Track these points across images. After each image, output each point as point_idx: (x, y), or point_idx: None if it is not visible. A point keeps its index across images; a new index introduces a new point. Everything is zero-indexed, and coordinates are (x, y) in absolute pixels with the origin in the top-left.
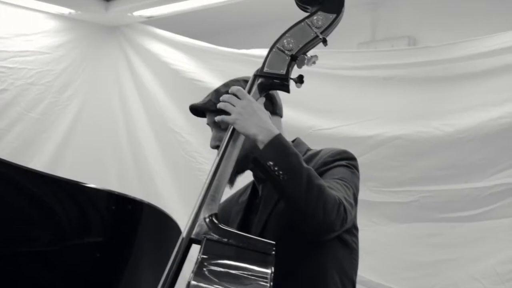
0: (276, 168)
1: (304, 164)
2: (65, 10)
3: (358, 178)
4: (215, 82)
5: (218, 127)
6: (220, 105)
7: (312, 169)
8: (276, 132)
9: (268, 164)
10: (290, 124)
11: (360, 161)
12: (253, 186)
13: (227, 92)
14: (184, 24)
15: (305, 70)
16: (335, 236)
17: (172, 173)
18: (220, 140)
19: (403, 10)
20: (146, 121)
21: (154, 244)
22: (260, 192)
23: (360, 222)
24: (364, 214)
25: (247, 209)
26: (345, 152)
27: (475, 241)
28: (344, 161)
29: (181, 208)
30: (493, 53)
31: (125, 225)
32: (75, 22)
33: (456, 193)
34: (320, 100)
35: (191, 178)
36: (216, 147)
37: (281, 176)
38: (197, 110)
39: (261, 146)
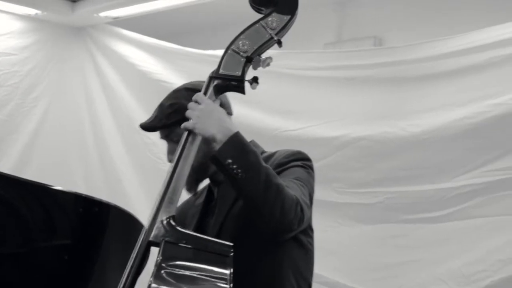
0: (234, 166)
1: (263, 163)
2: (31, 11)
3: (313, 178)
4: (181, 83)
5: (171, 140)
6: (186, 113)
7: (271, 168)
8: (234, 130)
9: (226, 162)
10: (256, 126)
11: (325, 162)
12: (209, 189)
13: (170, 106)
14: (150, 25)
15: (271, 71)
16: (291, 236)
17: (139, 174)
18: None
19: (368, 10)
20: (112, 123)
21: (121, 246)
22: (215, 195)
23: (325, 223)
24: (329, 215)
25: (203, 212)
26: (299, 153)
27: (440, 242)
28: (299, 161)
29: (148, 209)
30: (458, 54)
31: (92, 227)
32: (41, 23)
33: (421, 194)
34: (285, 101)
35: (157, 180)
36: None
37: (239, 174)
38: (148, 128)
39: (218, 145)
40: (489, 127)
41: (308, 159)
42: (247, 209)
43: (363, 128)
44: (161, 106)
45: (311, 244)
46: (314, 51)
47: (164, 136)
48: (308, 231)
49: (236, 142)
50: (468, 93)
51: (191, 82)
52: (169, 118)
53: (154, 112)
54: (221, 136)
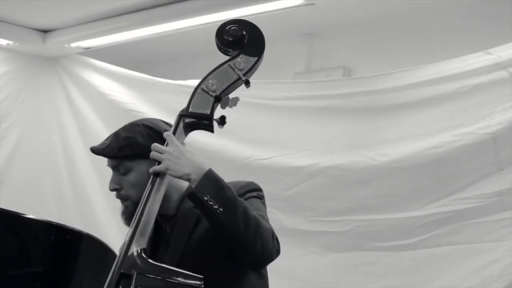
0: (212, 202)
1: (238, 197)
2: (3, 41)
3: (266, 207)
4: (152, 113)
5: (117, 171)
6: (151, 156)
7: (245, 201)
8: (207, 167)
9: (204, 198)
10: (226, 155)
11: (296, 190)
12: (156, 224)
13: (125, 139)
14: (121, 55)
15: (242, 101)
16: (251, 265)
17: (111, 203)
18: (118, 183)
19: (338, 41)
20: (84, 151)
21: (94, 274)
22: (167, 229)
23: (297, 252)
24: (300, 243)
25: (153, 246)
26: (252, 183)
27: (410, 269)
28: (254, 192)
29: (120, 237)
30: (426, 83)
31: (64, 255)
32: (13, 53)
33: (391, 222)
34: (256, 131)
35: None
36: (114, 190)
37: (218, 209)
38: (98, 153)
39: (194, 184)
40: (458, 156)
41: (261, 189)
42: (228, 242)
43: (333, 157)
44: (116, 135)
45: (267, 272)
46: (284, 81)
47: (111, 166)
48: None
49: (211, 179)
50: (436, 123)
51: (149, 120)
52: (121, 151)
53: (108, 139)
54: (195, 175)
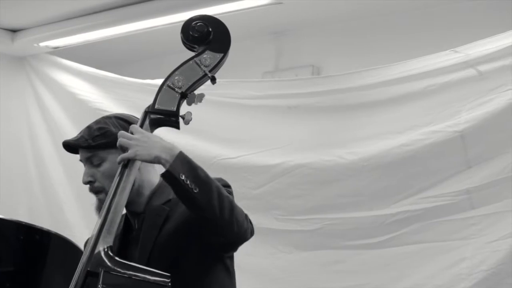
0: (188, 181)
1: (210, 177)
2: None
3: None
4: (120, 111)
5: (90, 163)
6: (118, 143)
7: (217, 181)
8: (178, 149)
9: (181, 177)
10: (194, 154)
11: (264, 189)
12: (125, 220)
13: (98, 129)
14: (90, 54)
15: (210, 100)
16: (220, 261)
17: (80, 203)
18: (92, 176)
19: (306, 39)
20: (53, 151)
21: (63, 273)
22: (136, 226)
23: (266, 250)
24: (270, 242)
25: (122, 243)
26: (221, 179)
27: (380, 268)
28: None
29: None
30: (396, 82)
31: (34, 254)
32: None
33: (360, 220)
34: (224, 129)
35: None
36: (88, 182)
37: (193, 188)
38: (69, 147)
39: (166, 165)
40: (426, 154)
41: (230, 186)
42: (203, 223)
43: (302, 156)
44: (88, 128)
45: (233, 268)
46: (253, 80)
47: (84, 159)
48: (233, 255)
49: (183, 159)
50: (405, 121)
51: (120, 113)
52: (95, 140)
53: (80, 132)
54: (166, 156)
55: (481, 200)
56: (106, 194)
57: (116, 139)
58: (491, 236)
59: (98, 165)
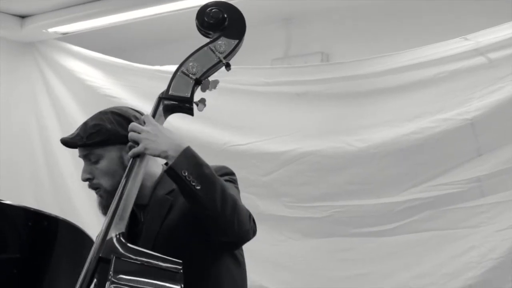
0: (190, 179)
1: (216, 175)
2: None
3: (239, 192)
4: (130, 98)
5: (88, 160)
6: (129, 137)
7: (223, 180)
8: (185, 145)
9: (183, 174)
10: (204, 140)
11: (274, 176)
12: (132, 214)
13: (93, 127)
14: (99, 40)
15: (220, 86)
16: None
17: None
18: (90, 172)
19: (316, 26)
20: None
21: (71, 260)
22: (142, 218)
23: (275, 237)
24: (278, 229)
25: (129, 235)
26: (225, 167)
27: (388, 256)
28: (226, 176)
29: (97, 224)
30: (405, 69)
31: (41, 241)
32: None
33: (369, 208)
34: (234, 116)
35: None
36: (87, 179)
37: (196, 186)
38: (68, 144)
39: (171, 161)
40: (436, 142)
41: (233, 174)
42: (205, 221)
43: (311, 143)
44: (85, 124)
45: (243, 257)
46: (262, 67)
47: (82, 155)
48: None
49: (189, 156)
50: (415, 108)
51: (117, 107)
52: (90, 138)
53: (77, 129)
54: (172, 152)
55: (491, 188)
56: (105, 190)
57: (111, 135)
58: (501, 224)
59: (96, 162)
